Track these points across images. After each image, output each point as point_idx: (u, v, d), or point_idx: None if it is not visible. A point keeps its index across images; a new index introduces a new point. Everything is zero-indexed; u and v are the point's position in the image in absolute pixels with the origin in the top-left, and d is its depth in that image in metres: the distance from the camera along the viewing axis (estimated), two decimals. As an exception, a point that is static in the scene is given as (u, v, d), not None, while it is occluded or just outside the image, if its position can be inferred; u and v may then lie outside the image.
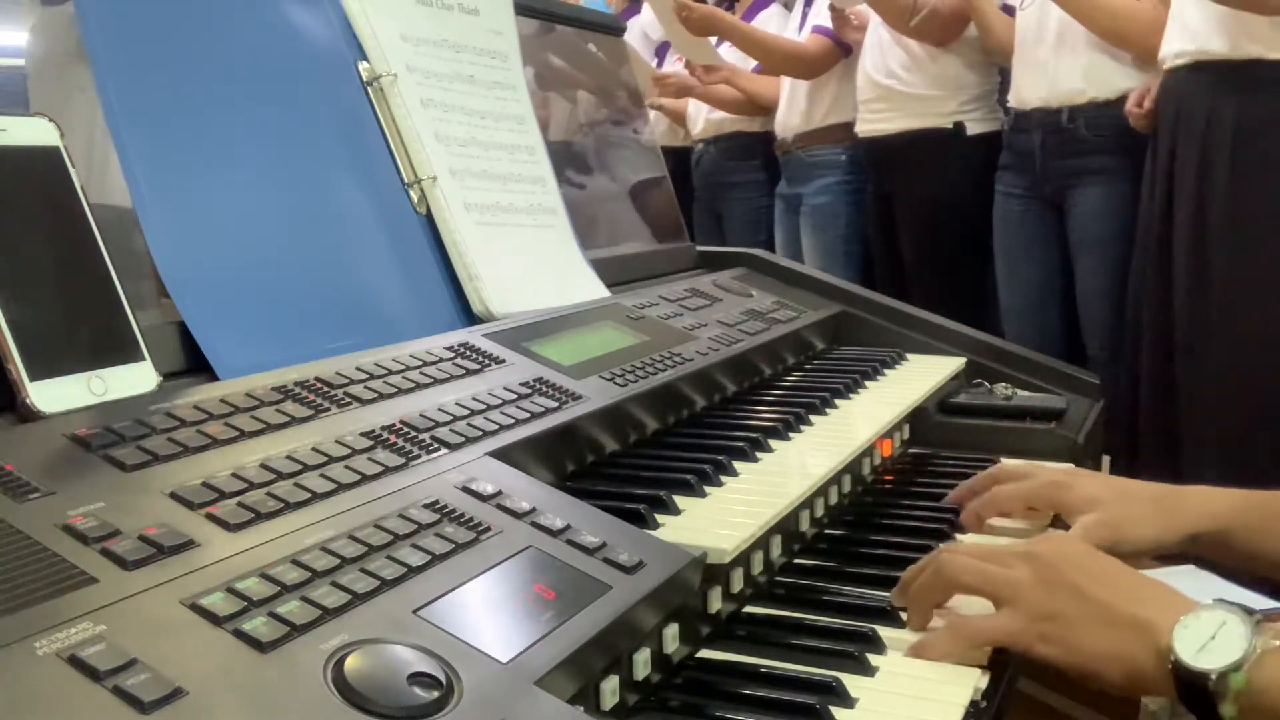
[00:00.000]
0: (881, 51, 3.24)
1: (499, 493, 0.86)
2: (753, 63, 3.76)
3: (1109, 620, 0.83)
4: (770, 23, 3.76)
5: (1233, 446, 2.34)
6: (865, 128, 3.32)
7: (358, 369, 0.99)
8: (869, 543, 1.15)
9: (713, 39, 3.76)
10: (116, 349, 0.85)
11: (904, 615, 0.95)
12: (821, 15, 3.51)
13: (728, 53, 3.81)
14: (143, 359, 0.87)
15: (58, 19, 1.14)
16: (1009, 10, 2.96)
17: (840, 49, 3.48)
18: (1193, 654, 0.78)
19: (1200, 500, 1.05)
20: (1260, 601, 1.18)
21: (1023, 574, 0.89)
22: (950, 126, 3.14)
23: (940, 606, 0.94)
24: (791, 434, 1.23)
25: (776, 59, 3.59)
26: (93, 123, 0.98)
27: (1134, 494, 1.08)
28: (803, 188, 3.60)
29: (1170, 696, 0.79)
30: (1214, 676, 0.76)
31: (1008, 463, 1.17)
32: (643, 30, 4.30)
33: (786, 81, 3.63)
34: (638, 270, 1.69)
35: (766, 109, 3.74)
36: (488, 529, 0.81)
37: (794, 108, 3.60)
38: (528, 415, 1.02)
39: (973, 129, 3.14)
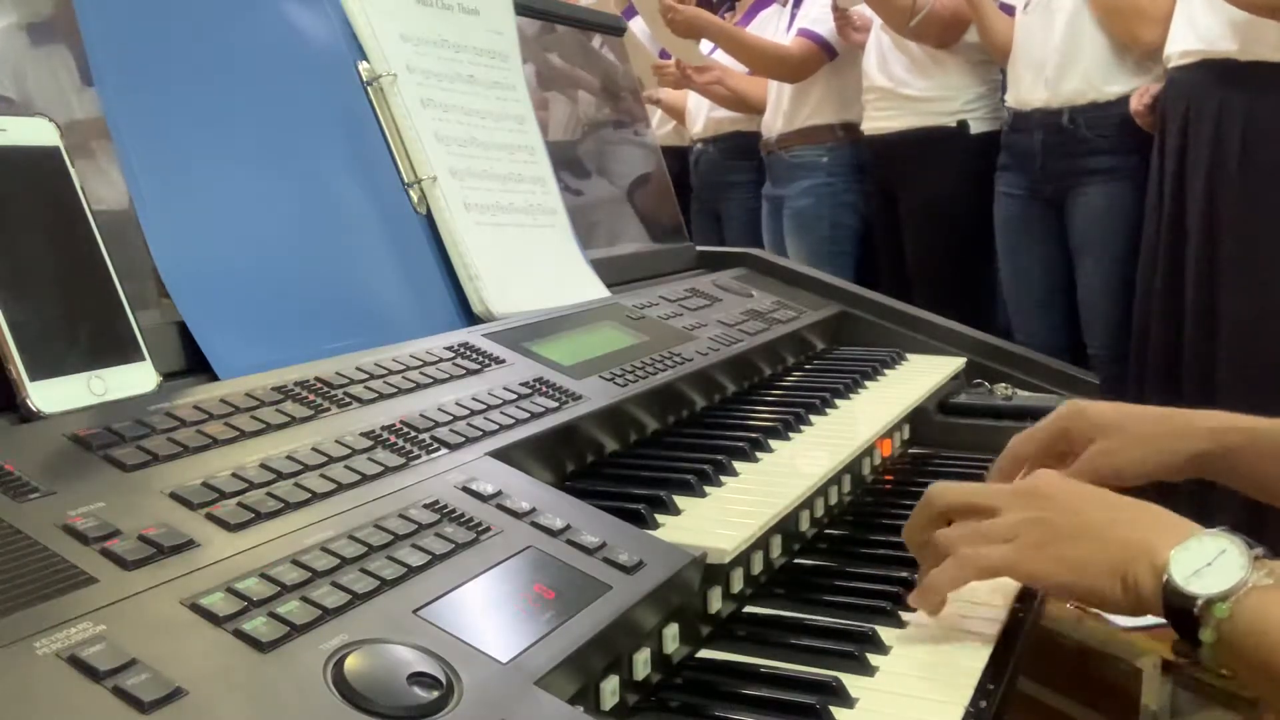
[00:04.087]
0: (883, 54, 3.24)
1: (499, 493, 0.86)
2: None
3: (1109, 539, 0.84)
4: (770, 22, 3.76)
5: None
6: (870, 125, 3.33)
7: (358, 369, 0.99)
8: (869, 543, 1.15)
9: (702, 41, 3.76)
10: (116, 349, 0.85)
11: (905, 614, 0.95)
12: (808, 18, 3.50)
13: (722, 54, 3.80)
14: (143, 359, 0.87)
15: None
16: (1008, 10, 2.96)
17: (826, 52, 3.47)
18: (1185, 577, 0.78)
19: (1208, 421, 1.05)
20: None
21: (1017, 513, 0.89)
22: (954, 125, 3.14)
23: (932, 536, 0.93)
24: (791, 434, 1.23)
25: (760, 61, 3.59)
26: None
27: (1142, 415, 1.08)
28: (785, 189, 3.59)
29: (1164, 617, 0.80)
30: (1200, 602, 0.77)
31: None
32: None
33: (774, 81, 3.63)
34: (638, 270, 1.69)
35: (758, 110, 3.74)
36: (488, 529, 0.81)
37: (778, 107, 3.60)
38: (528, 415, 1.02)
39: (976, 128, 3.14)
